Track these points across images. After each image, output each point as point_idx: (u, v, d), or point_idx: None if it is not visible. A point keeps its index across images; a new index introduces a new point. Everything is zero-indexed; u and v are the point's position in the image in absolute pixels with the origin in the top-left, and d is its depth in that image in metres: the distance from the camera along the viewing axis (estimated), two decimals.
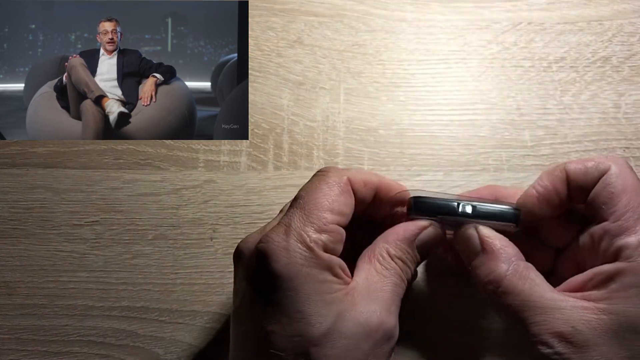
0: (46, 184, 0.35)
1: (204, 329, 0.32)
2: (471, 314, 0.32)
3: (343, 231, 0.25)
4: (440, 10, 0.38)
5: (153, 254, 0.33)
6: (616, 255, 0.24)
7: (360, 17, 0.38)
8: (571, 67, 0.37)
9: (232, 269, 0.33)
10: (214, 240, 0.34)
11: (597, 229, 0.25)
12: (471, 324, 0.32)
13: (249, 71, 0.37)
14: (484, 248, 0.25)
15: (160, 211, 0.34)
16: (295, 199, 0.26)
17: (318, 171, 0.27)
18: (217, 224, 0.34)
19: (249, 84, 0.37)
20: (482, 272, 0.25)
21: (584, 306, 0.23)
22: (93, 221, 0.34)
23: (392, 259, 0.25)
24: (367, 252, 0.26)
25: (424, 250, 0.27)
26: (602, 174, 0.25)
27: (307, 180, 0.27)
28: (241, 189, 0.34)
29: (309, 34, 0.38)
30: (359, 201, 0.26)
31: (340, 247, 0.25)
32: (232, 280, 0.33)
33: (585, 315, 0.23)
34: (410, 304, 0.32)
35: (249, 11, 0.38)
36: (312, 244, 0.24)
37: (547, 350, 0.23)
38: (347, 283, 0.24)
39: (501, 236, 0.26)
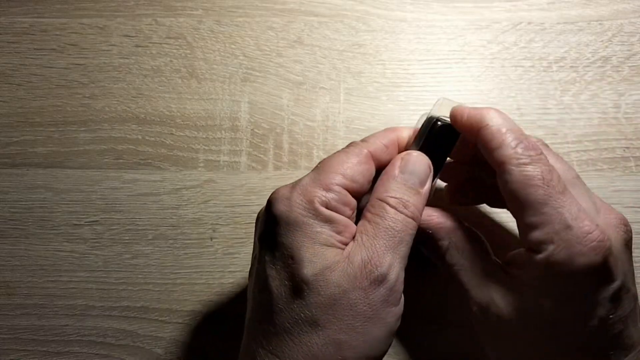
0: (46, 184, 0.35)
1: (204, 329, 0.32)
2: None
3: (351, 197, 0.25)
4: (440, 10, 0.38)
5: (153, 254, 0.33)
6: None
7: (360, 17, 0.38)
8: (571, 67, 0.37)
9: (232, 269, 0.33)
10: (214, 240, 0.34)
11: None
12: (471, 324, 0.32)
13: (250, 71, 0.37)
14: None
15: (160, 211, 0.34)
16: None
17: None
18: (217, 224, 0.34)
19: (249, 83, 0.37)
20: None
21: None
22: (93, 221, 0.34)
23: (380, 205, 0.25)
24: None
25: (418, 176, 0.26)
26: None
27: None
28: (241, 189, 0.34)
29: (309, 34, 0.38)
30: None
31: (347, 211, 0.25)
32: (232, 279, 0.33)
33: None
34: (409, 303, 0.32)
35: (249, 11, 0.38)
36: (313, 198, 0.24)
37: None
38: (347, 244, 0.25)
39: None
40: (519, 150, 0.25)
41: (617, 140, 0.35)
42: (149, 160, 0.35)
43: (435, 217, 0.28)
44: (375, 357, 0.24)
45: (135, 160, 0.35)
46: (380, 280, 0.24)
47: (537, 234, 0.24)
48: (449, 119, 0.27)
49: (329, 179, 0.25)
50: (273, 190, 0.26)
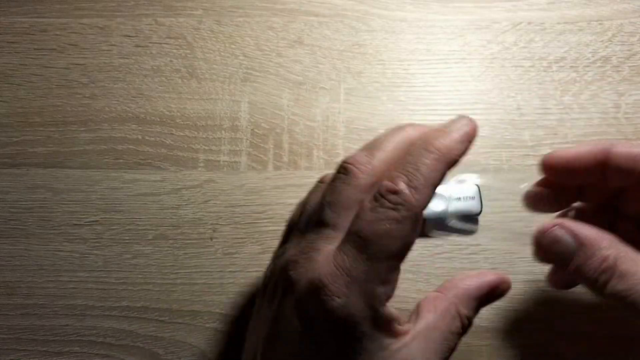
0: (46, 184, 0.35)
1: (204, 329, 0.32)
2: None
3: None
4: (440, 10, 0.38)
5: (153, 254, 0.33)
6: None
7: (360, 17, 0.38)
8: (571, 67, 0.37)
9: (232, 269, 0.33)
10: (214, 240, 0.34)
11: None
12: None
13: (250, 71, 0.37)
14: (581, 242, 0.23)
15: (160, 211, 0.34)
16: (351, 234, 0.21)
17: (382, 197, 0.21)
18: (217, 224, 0.34)
19: (249, 83, 0.37)
20: (591, 266, 0.22)
21: None
22: (93, 221, 0.34)
23: (460, 318, 0.23)
24: (432, 302, 0.24)
25: (489, 302, 0.25)
26: None
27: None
28: (241, 189, 0.34)
29: (309, 34, 0.38)
30: None
31: None
32: (232, 279, 0.33)
33: None
34: (410, 303, 0.32)
35: (249, 11, 0.38)
36: (375, 301, 0.21)
37: None
38: (400, 333, 0.22)
39: (586, 225, 0.24)
40: None
41: (617, 140, 0.35)
42: (149, 160, 0.35)
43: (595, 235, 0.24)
44: None
45: (135, 160, 0.35)
46: None
47: None
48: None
49: (391, 266, 0.21)
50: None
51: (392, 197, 0.21)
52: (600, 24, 0.37)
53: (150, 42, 0.38)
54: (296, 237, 0.24)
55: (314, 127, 0.36)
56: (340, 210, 0.23)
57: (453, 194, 0.32)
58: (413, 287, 0.32)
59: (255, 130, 0.36)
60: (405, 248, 0.21)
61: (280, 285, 0.23)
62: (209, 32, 0.38)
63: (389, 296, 0.21)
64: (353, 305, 0.20)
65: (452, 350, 0.23)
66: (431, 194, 0.22)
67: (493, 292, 0.24)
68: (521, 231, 0.33)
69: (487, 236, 0.33)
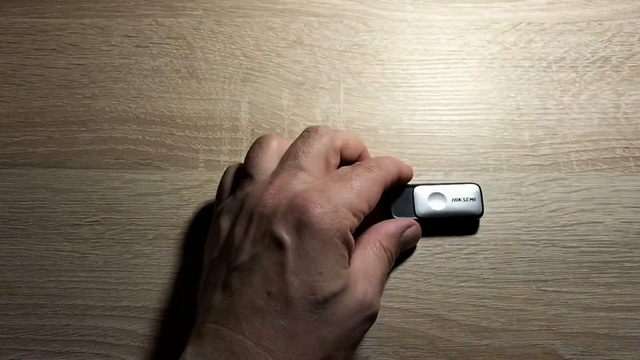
0: (46, 184, 0.35)
1: None
2: (472, 314, 0.32)
3: None
4: (440, 10, 0.38)
5: (153, 254, 0.33)
6: None
7: (360, 17, 0.38)
8: (571, 67, 0.37)
9: None
10: None
11: None
12: (471, 324, 0.32)
13: (250, 71, 0.37)
14: None
15: (161, 211, 0.34)
16: (341, 177, 0.27)
17: (365, 163, 0.29)
18: None
19: (249, 83, 0.37)
20: None
21: None
22: (93, 221, 0.34)
23: (384, 249, 0.29)
24: (362, 240, 0.29)
25: (406, 244, 0.31)
26: None
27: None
28: None
29: (309, 34, 0.38)
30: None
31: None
32: None
33: None
34: (409, 303, 0.32)
35: (249, 11, 0.38)
36: (348, 224, 0.26)
37: None
38: (349, 264, 0.27)
39: None
40: None
41: (616, 140, 0.35)
42: (149, 160, 0.35)
43: None
44: None
45: (135, 160, 0.35)
46: (374, 316, 0.26)
47: None
48: None
49: (361, 207, 0.27)
50: None
51: (366, 166, 0.28)
52: (600, 24, 0.38)
53: (150, 43, 0.38)
54: (256, 179, 0.28)
55: None
56: (312, 159, 0.28)
57: (454, 194, 0.32)
58: (413, 287, 0.32)
59: (256, 130, 0.36)
60: (374, 200, 0.27)
61: (256, 215, 0.26)
62: (209, 32, 0.38)
63: (353, 227, 0.26)
64: (331, 216, 0.25)
65: (384, 275, 0.29)
66: (391, 179, 0.29)
67: (405, 232, 0.30)
68: (521, 231, 0.33)
69: (487, 236, 0.33)
